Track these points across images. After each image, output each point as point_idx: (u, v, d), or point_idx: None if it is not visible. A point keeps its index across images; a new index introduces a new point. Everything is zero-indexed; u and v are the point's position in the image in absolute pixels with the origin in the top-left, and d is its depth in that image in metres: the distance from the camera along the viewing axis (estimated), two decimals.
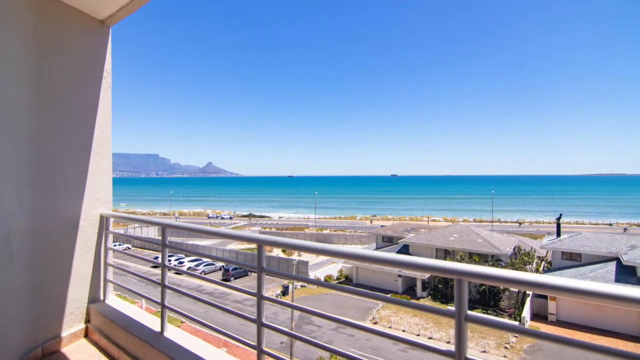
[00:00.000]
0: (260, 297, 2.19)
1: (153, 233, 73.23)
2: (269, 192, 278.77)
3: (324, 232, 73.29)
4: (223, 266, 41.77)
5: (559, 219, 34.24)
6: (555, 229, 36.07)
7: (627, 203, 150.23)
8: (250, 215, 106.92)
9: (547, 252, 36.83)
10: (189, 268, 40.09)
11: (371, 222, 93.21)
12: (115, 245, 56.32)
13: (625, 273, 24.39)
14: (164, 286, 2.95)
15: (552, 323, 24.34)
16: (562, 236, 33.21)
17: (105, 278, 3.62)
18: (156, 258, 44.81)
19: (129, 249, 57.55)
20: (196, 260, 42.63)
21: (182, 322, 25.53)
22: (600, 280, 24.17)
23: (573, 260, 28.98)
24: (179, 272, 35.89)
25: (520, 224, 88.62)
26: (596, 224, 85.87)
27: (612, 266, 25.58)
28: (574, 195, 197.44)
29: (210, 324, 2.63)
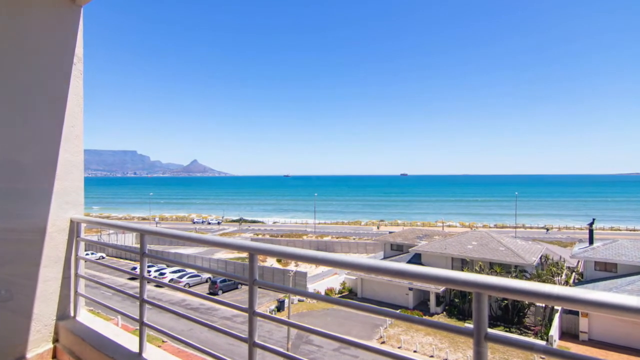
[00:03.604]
0: (252, 313, 2.19)
1: (130, 240, 73.31)
2: (262, 193, 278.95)
3: (325, 239, 73.39)
4: (210, 278, 41.82)
5: (591, 224, 34.25)
6: (587, 236, 36.07)
7: None
8: (240, 220, 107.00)
9: (578, 261, 36.83)
10: (171, 280, 40.10)
11: (378, 228, 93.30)
12: (87, 254, 56.29)
13: None
14: (142, 301, 2.95)
15: (584, 342, 24.35)
16: (595, 244, 33.20)
17: (76, 291, 3.61)
18: (134, 269, 44.85)
19: (104, 258, 57.60)
20: (179, 271, 42.66)
21: (163, 341, 25.55)
22: (638, 294, 24.19)
23: (608, 271, 28.98)
24: (159, 285, 35.77)
25: (547, 229, 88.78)
26: (634, 230, 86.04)
27: None
28: (608, 198, 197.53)
29: (195, 344, 2.63)
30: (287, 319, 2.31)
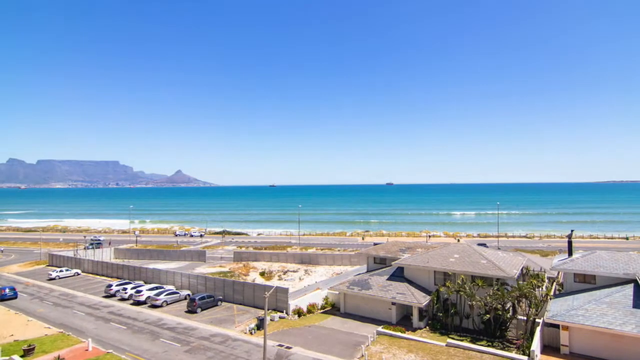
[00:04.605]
0: None
1: (108, 255, 70.98)
2: (247, 204, 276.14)
3: (309, 251, 72.50)
4: (188, 295, 40.45)
5: (570, 236, 34.63)
6: (567, 244, 36.39)
7: (638, 211, 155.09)
8: (224, 232, 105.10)
9: (559, 273, 37.13)
10: (148, 298, 38.64)
11: (363, 239, 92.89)
12: (61, 271, 54.21)
13: None
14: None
15: (565, 356, 24.27)
16: (575, 255, 33.57)
17: None
18: (109, 286, 43.13)
19: (79, 274, 55.38)
20: (156, 288, 41.14)
21: None
22: (617, 306, 24.34)
23: (587, 282, 29.21)
24: (137, 303, 34.49)
25: (529, 238, 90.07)
26: (611, 238, 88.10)
27: (629, 289, 25.79)
28: (587, 206, 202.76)
29: None
30: None
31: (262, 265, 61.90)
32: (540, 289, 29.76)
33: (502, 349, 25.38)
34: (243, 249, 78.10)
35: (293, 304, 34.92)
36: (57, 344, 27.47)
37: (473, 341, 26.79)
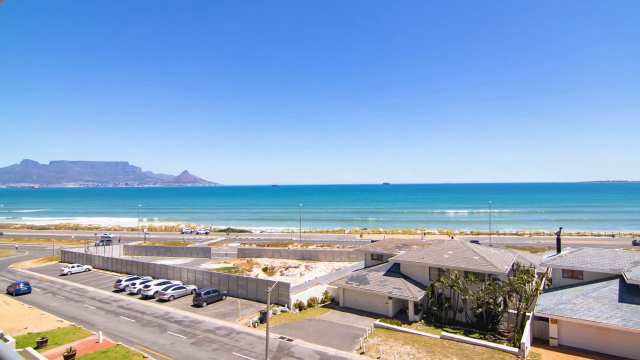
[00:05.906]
0: None
1: (118, 252, 70.97)
2: (251, 203, 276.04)
3: (310, 247, 72.51)
4: (195, 290, 40.47)
5: (558, 233, 34.59)
6: (556, 242, 36.40)
7: (623, 210, 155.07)
8: (228, 230, 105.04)
9: (548, 268, 37.14)
10: (156, 292, 38.65)
11: (361, 237, 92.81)
12: (73, 267, 54.22)
13: (629, 292, 24.61)
14: None
15: (554, 348, 24.28)
16: (563, 251, 33.55)
17: None
18: (119, 281, 43.13)
19: (90, 270, 55.38)
20: (164, 283, 41.16)
21: (144, 357, 24.34)
22: (603, 300, 24.35)
23: (574, 278, 29.22)
24: (145, 297, 34.37)
25: (519, 235, 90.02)
26: (598, 235, 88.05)
27: (615, 284, 25.81)
28: (575, 204, 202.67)
29: None
30: None
31: (264, 261, 61.88)
32: (530, 284, 29.78)
33: (494, 341, 25.41)
34: (246, 245, 78.09)
35: (294, 298, 34.93)
36: (69, 337, 27.48)
37: (466, 334, 26.80)
